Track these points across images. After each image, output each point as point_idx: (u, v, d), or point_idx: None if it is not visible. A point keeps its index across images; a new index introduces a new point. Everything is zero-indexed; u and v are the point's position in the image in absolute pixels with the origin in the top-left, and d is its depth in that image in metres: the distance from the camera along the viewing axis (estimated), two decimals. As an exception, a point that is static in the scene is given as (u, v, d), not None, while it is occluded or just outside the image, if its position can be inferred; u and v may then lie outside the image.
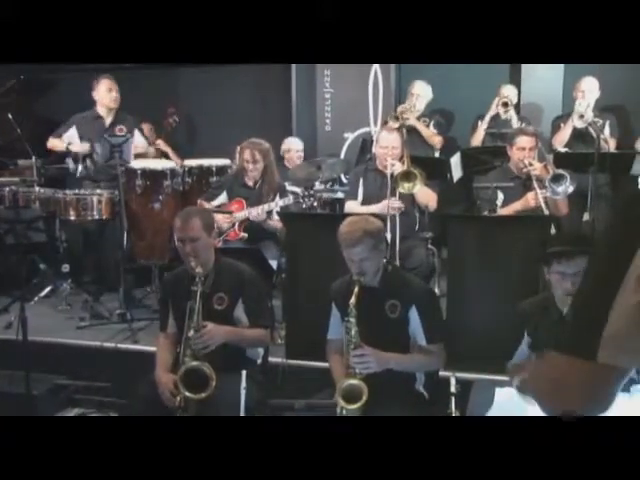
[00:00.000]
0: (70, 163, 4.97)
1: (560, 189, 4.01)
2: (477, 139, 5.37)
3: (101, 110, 5.05)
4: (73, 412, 3.88)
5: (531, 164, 4.17)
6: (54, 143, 5.11)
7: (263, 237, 4.48)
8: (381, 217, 3.35)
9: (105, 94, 5.01)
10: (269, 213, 4.41)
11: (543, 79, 5.73)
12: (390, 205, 4.15)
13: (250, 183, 4.55)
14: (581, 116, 4.89)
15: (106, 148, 4.55)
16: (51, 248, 5.21)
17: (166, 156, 5.85)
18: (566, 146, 5.08)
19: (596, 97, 5.15)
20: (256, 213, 4.37)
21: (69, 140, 5.02)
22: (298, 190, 4.54)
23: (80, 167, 4.97)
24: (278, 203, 4.34)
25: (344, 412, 2.64)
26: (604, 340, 0.99)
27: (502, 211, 4.19)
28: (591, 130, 4.85)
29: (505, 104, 5.24)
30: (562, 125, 5.15)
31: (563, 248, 2.58)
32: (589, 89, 5.12)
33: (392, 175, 4.20)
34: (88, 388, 3.97)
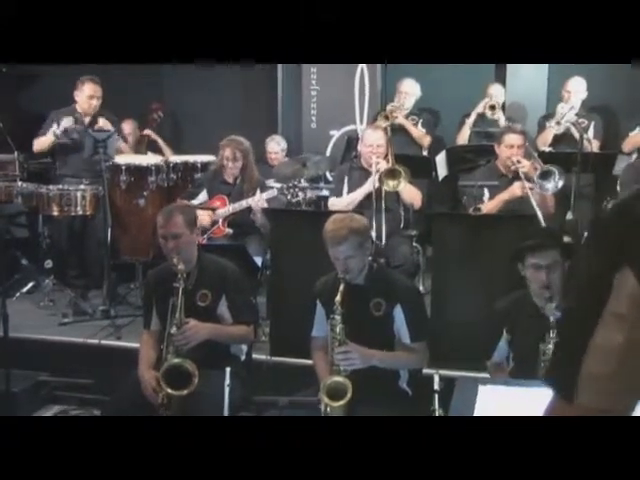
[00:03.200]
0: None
1: (549, 185, 4.04)
2: (463, 137, 5.39)
3: (81, 109, 4.96)
4: (54, 409, 3.85)
5: (519, 162, 4.18)
6: (40, 143, 4.95)
7: (248, 233, 4.47)
8: (366, 215, 3.36)
9: (85, 100, 4.89)
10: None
11: (528, 78, 5.76)
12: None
13: (229, 180, 4.55)
14: (558, 123, 4.95)
15: (90, 143, 4.51)
16: (33, 244, 5.16)
17: (156, 147, 5.82)
18: (550, 146, 5.12)
19: (583, 98, 5.17)
20: (253, 203, 4.33)
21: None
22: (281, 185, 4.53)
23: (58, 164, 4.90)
24: (263, 196, 4.32)
25: (328, 409, 2.64)
26: (582, 381, 0.91)
27: (489, 202, 4.20)
28: (574, 131, 4.89)
29: (492, 107, 5.27)
30: (547, 125, 5.18)
31: (536, 241, 2.64)
32: (575, 90, 5.14)
33: (377, 171, 4.21)
34: (70, 385, 3.94)
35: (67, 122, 4.78)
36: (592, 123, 5.17)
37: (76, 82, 4.92)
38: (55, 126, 4.83)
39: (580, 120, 5.00)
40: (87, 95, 4.89)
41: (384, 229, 4.14)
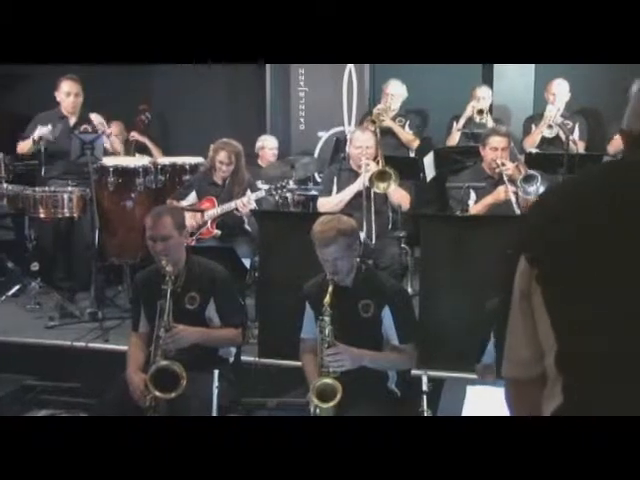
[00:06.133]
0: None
1: (531, 189, 4.08)
2: (452, 140, 5.42)
3: (65, 110, 4.94)
4: (41, 413, 3.81)
5: (503, 164, 4.22)
6: (24, 146, 4.92)
7: (236, 235, 4.47)
8: (355, 215, 3.36)
9: (64, 98, 4.88)
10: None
11: (514, 80, 5.80)
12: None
13: (219, 181, 4.56)
14: (550, 126, 5.00)
15: (77, 145, 4.49)
16: (19, 246, 5.12)
17: (144, 149, 5.79)
18: (537, 147, 5.16)
19: (566, 100, 5.23)
20: (241, 204, 4.32)
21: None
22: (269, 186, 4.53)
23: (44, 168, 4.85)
24: (251, 197, 4.32)
25: (318, 411, 2.64)
26: (504, 355, 1.06)
27: (474, 207, 4.23)
28: (560, 133, 4.93)
29: (480, 111, 5.31)
30: (533, 127, 5.23)
31: None
32: (559, 92, 5.21)
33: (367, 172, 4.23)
34: (57, 388, 3.91)
35: (41, 130, 4.72)
36: (577, 124, 5.23)
37: (55, 83, 4.90)
38: (36, 131, 4.79)
39: (565, 122, 5.05)
40: (65, 92, 4.86)
41: (374, 228, 4.14)
